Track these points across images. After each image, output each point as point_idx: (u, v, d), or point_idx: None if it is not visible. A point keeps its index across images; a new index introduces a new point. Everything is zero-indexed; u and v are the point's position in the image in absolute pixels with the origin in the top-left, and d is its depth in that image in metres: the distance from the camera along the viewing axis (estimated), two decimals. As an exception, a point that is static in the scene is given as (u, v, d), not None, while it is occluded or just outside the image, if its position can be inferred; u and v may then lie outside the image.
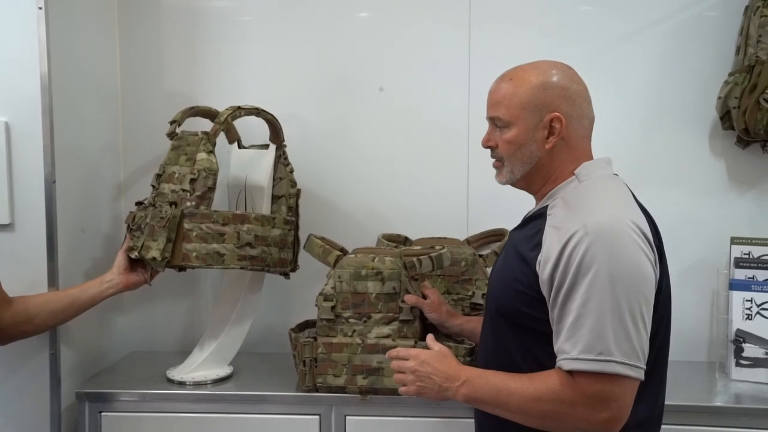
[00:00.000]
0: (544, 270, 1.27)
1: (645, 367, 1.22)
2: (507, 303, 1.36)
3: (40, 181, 1.72)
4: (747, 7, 1.98)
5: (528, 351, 1.33)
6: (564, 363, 1.23)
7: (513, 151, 1.39)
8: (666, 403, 1.39)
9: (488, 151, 1.46)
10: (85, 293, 1.72)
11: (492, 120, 1.41)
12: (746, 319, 1.92)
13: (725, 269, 2.02)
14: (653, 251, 1.28)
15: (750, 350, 1.90)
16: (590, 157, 1.42)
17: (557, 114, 1.36)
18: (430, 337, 1.48)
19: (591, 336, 1.20)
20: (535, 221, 1.38)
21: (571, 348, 1.22)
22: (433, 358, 1.38)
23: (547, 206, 1.38)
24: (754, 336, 1.91)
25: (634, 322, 1.21)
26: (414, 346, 1.69)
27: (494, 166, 1.45)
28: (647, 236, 1.27)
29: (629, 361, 1.20)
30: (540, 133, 1.37)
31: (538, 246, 1.31)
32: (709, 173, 2.11)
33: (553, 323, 1.27)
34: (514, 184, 1.44)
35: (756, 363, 1.90)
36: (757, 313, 1.91)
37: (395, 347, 1.68)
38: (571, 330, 1.22)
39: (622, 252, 1.22)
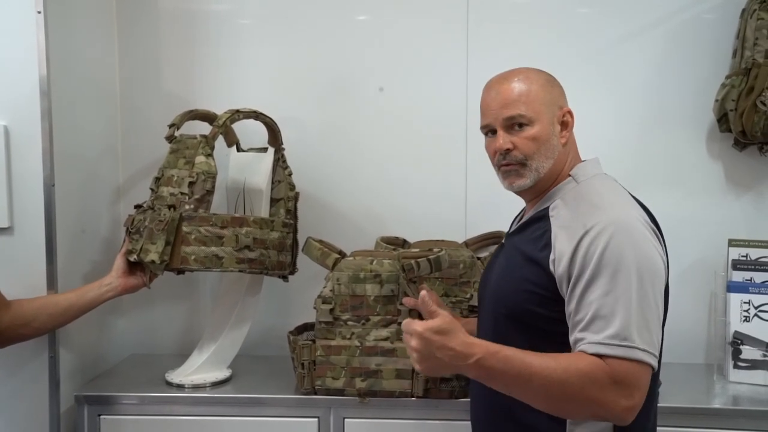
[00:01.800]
0: (558, 267, 1.28)
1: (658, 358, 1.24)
2: (517, 305, 1.35)
3: (39, 185, 1.72)
4: (744, 10, 1.99)
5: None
6: (588, 347, 1.21)
7: (538, 148, 1.38)
8: (664, 404, 1.40)
9: (485, 154, 1.47)
10: (84, 296, 1.72)
11: (509, 120, 1.38)
12: (744, 321, 1.92)
13: (723, 271, 2.03)
14: (663, 246, 1.31)
15: (748, 352, 1.91)
16: (579, 157, 1.45)
17: (568, 108, 1.41)
18: (424, 295, 1.28)
19: (617, 322, 1.20)
20: (537, 224, 1.38)
21: (593, 335, 1.21)
22: (439, 333, 1.21)
23: (547, 208, 1.38)
24: (751, 338, 1.91)
25: (651, 313, 1.23)
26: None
27: (510, 171, 1.40)
28: (654, 230, 1.31)
29: (649, 349, 1.21)
30: (557, 127, 1.40)
31: (547, 246, 1.31)
32: (706, 175, 2.12)
33: (569, 317, 1.27)
34: (529, 188, 1.41)
35: (754, 365, 1.90)
36: (755, 315, 1.92)
37: (394, 350, 1.70)
38: (593, 320, 1.22)
39: (640, 245, 1.25)
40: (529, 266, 1.34)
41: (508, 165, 1.40)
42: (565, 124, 1.41)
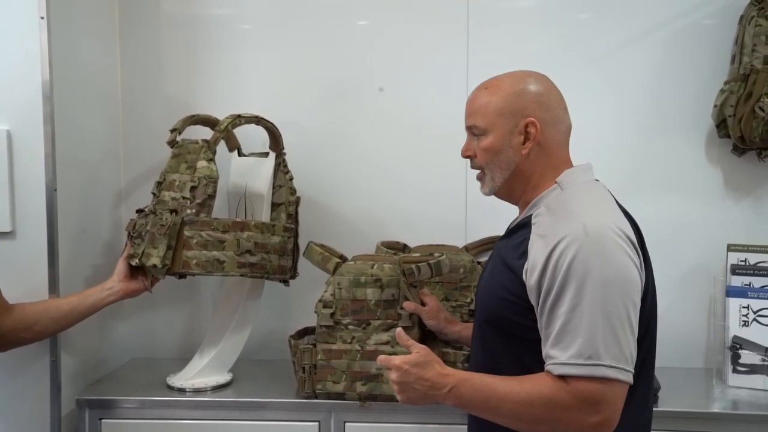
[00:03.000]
0: (531, 278, 1.28)
1: (633, 371, 1.23)
2: (495, 312, 1.36)
3: (42, 189, 1.73)
4: (742, 17, 2.00)
5: (517, 359, 1.33)
6: (553, 368, 1.23)
7: (491, 158, 1.40)
8: (663, 409, 1.40)
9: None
10: (86, 301, 1.73)
11: (469, 129, 1.43)
12: (743, 325, 1.93)
13: (722, 276, 2.03)
14: (639, 255, 1.29)
15: (747, 357, 1.91)
16: (569, 164, 1.43)
17: (532, 119, 1.37)
18: (399, 332, 1.40)
19: (580, 341, 1.20)
20: (520, 230, 1.38)
21: (560, 353, 1.22)
22: (416, 366, 1.30)
23: (531, 215, 1.38)
24: (750, 342, 1.92)
25: (622, 327, 1.21)
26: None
27: (477, 178, 1.46)
28: (632, 240, 1.28)
29: (618, 364, 1.20)
30: (516, 138, 1.38)
31: (524, 255, 1.31)
32: (705, 180, 2.12)
33: (541, 330, 1.27)
34: (496, 194, 1.45)
35: (753, 369, 1.91)
36: (754, 319, 1.92)
37: (394, 353, 1.69)
38: (560, 335, 1.22)
39: (609, 257, 1.23)
40: (507, 274, 1.35)
41: (477, 172, 1.46)
42: (528, 135, 1.37)
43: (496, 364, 1.35)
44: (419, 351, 1.33)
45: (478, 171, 1.45)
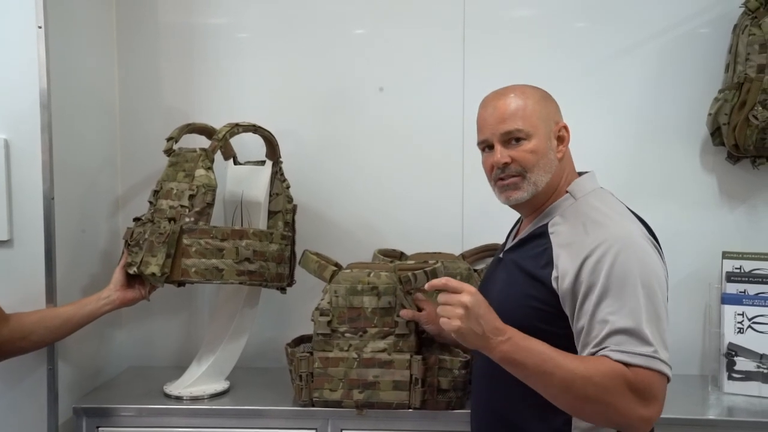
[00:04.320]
0: (563, 285, 1.29)
1: None
2: (521, 321, 1.32)
3: (39, 198, 1.73)
4: (735, 26, 2.01)
5: None
6: (612, 354, 1.22)
7: (536, 161, 1.38)
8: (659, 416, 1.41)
9: (481, 166, 1.48)
10: (82, 310, 1.73)
11: (507, 134, 1.39)
12: (738, 332, 1.94)
13: (717, 283, 2.04)
14: (663, 258, 1.34)
15: (742, 363, 1.92)
16: (575, 172, 1.47)
17: (564, 123, 1.43)
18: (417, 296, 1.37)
19: (635, 335, 1.22)
20: (536, 240, 1.39)
21: (615, 346, 1.22)
22: (485, 303, 1.26)
23: (546, 224, 1.39)
24: (745, 349, 1.93)
25: (662, 326, 1.25)
26: (410, 360, 1.70)
27: (508, 184, 1.41)
28: (656, 245, 1.34)
29: (668, 361, 1.24)
30: (553, 142, 1.41)
31: (549, 264, 1.32)
32: (700, 188, 2.14)
33: (580, 334, 1.27)
34: (526, 202, 1.42)
35: (748, 376, 1.92)
36: (749, 326, 1.93)
37: (391, 361, 1.71)
38: (609, 334, 1.23)
39: (645, 261, 1.27)
40: (531, 283, 1.35)
41: (505, 179, 1.41)
42: (561, 139, 1.42)
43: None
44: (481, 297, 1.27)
45: (507, 178, 1.41)
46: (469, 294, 1.24)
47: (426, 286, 1.31)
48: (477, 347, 1.27)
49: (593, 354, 1.24)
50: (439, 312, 1.28)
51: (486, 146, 1.44)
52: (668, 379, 1.24)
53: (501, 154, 1.40)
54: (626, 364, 1.21)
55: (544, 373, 1.23)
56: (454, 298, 1.25)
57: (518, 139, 1.39)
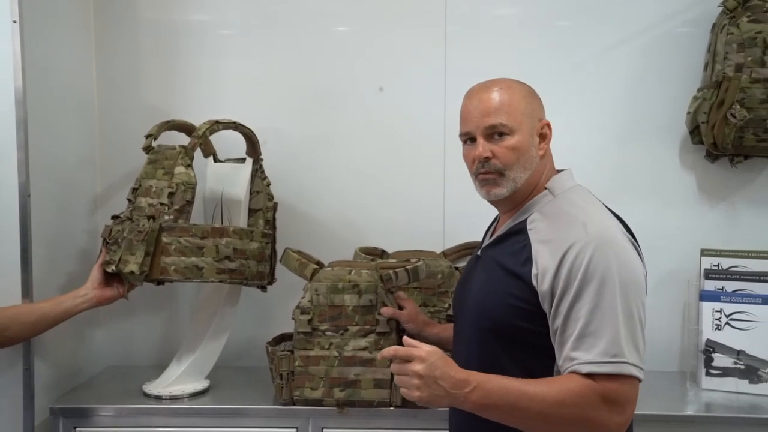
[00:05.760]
0: (542, 283, 1.28)
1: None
2: (502, 319, 1.33)
3: (15, 195, 1.70)
4: (714, 25, 2.03)
5: (524, 367, 1.31)
6: (580, 367, 1.22)
7: (517, 158, 1.37)
8: (638, 412, 1.40)
9: (463, 165, 1.48)
10: (58, 307, 1.71)
11: (491, 128, 1.37)
12: (716, 329, 1.96)
13: (696, 280, 2.06)
14: (641, 257, 1.34)
15: (719, 360, 1.94)
16: (554, 169, 1.46)
17: (547, 121, 1.42)
18: (407, 340, 1.29)
19: (605, 340, 1.22)
20: (514, 237, 1.39)
21: (584, 354, 1.22)
22: (441, 360, 1.23)
23: (524, 220, 1.39)
24: (723, 346, 1.94)
25: (638, 326, 1.25)
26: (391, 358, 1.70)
27: (488, 179, 1.39)
28: (634, 243, 1.33)
29: (638, 363, 1.23)
30: (536, 139, 1.40)
31: (528, 261, 1.32)
32: (680, 186, 2.15)
33: (555, 334, 1.27)
34: (506, 198, 1.41)
35: (725, 372, 1.94)
36: (726, 323, 1.95)
37: (372, 359, 1.70)
38: (582, 336, 1.23)
39: (624, 258, 1.27)
40: (512, 280, 1.34)
41: (486, 174, 1.40)
42: (544, 137, 1.42)
43: (499, 372, 1.28)
44: (436, 349, 1.25)
45: (487, 173, 1.39)
46: (420, 361, 1.22)
47: (378, 356, 1.31)
48: (446, 406, 1.27)
49: (568, 358, 1.24)
50: (396, 382, 1.28)
51: (468, 138, 1.43)
52: (639, 380, 1.24)
53: (483, 147, 1.38)
54: (596, 375, 1.22)
55: (519, 410, 1.23)
56: (407, 369, 1.23)
57: (501, 134, 1.37)
